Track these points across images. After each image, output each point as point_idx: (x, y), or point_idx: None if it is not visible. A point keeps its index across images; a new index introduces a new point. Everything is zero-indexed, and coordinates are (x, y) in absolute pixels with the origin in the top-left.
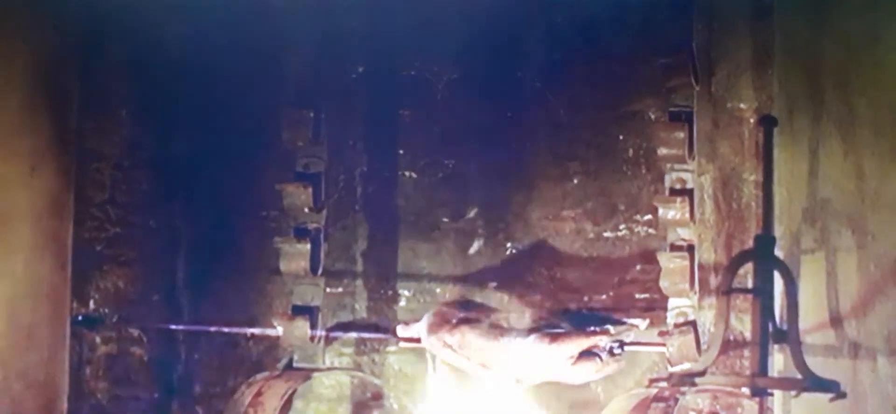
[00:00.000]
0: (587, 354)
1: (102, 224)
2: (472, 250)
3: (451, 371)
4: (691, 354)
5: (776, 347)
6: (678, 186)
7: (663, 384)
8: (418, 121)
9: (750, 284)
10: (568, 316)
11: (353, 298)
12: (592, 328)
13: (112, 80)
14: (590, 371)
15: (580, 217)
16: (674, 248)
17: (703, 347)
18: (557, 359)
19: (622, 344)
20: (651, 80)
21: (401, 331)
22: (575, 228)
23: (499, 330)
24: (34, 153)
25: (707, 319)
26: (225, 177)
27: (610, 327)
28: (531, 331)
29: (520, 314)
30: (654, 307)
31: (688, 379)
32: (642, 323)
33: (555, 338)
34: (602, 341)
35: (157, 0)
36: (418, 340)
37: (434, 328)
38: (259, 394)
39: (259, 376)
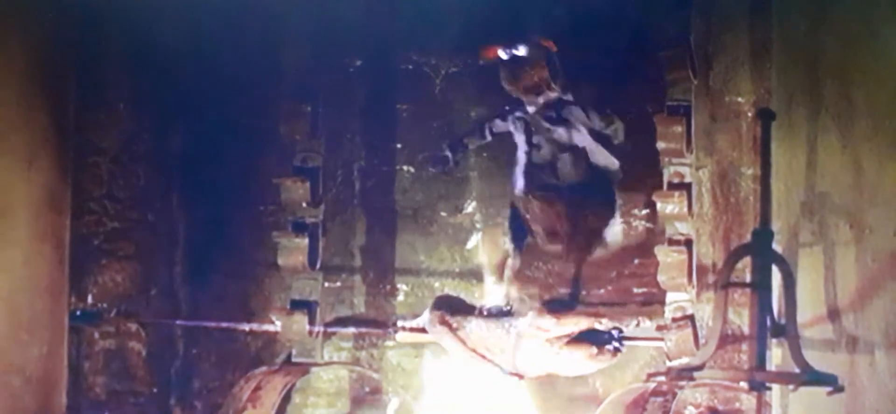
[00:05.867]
0: (587, 344)
1: (100, 218)
2: (469, 245)
3: (450, 365)
4: (689, 348)
5: (774, 341)
6: (676, 180)
7: (661, 378)
8: (416, 115)
9: (748, 278)
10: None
11: (352, 292)
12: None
13: (109, 74)
14: (587, 363)
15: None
16: (672, 242)
17: (702, 341)
18: (557, 337)
19: (622, 338)
20: (649, 74)
21: (403, 322)
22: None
23: (500, 315)
24: (31, 148)
25: (705, 313)
26: (223, 171)
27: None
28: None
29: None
30: (653, 301)
31: (686, 373)
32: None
33: (557, 314)
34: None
35: None
36: (422, 330)
37: (436, 315)
38: (258, 388)
39: (257, 371)
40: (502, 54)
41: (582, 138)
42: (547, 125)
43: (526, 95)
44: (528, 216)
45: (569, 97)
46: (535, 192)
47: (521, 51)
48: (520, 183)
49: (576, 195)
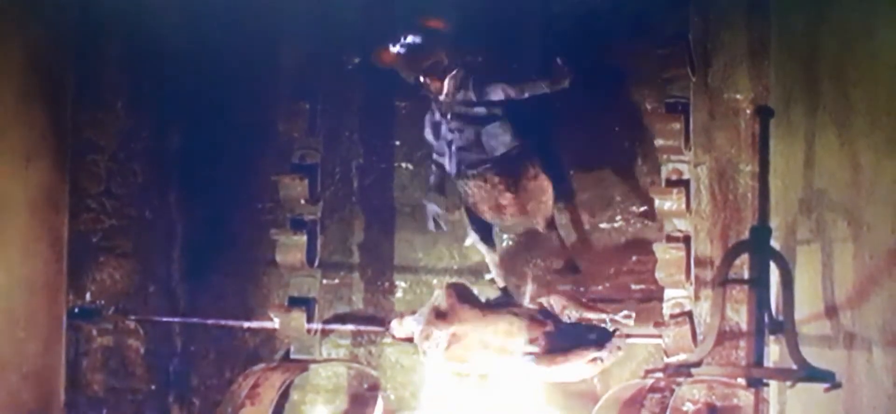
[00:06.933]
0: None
1: (98, 216)
2: (467, 242)
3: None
4: (687, 344)
5: (772, 337)
6: (674, 177)
7: (659, 375)
8: (414, 112)
9: (746, 275)
10: (561, 331)
11: (350, 289)
12: (590, 337)
13: (107, 72)
14: (588, 371)
15: (576, 208)
16: (670, 239)
17: (699, 337)
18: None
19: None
20: (648, 72)
21: (395, 329)
22: (571, 219)
23: (491, 348)
24: (29, 145)
25: (703, 309)
26: (221, 169)
27: (606, 342)
28: (526, 352)
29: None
30: (651, 298)
31: (684, 370)
32: (630, 320)
33: (552, 361)
34: (601, 354)
35: None
36: (411, 340)
37: (426, 334)
38: (256, 385)
39: (256, 368)
40: (396, 49)
41: (500, 108)
42: (463, 108)
43: (433, 82)
44: (470, 200)
45: (473, 75)
46: (466, 173)
47: (411, 39)
48: (452, 170)
49: (506, 163)
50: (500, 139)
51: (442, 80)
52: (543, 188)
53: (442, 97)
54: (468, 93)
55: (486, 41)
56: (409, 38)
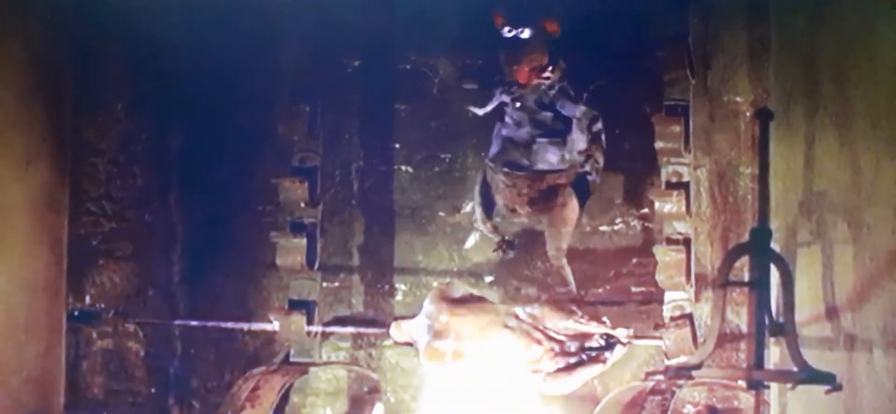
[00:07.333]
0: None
1: (98, 219)
2: (468, 244)
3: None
4: (688, 347)
5: (772, 339)
6: (674, 180)
7: (660, 377)
8: (414, 115)
9: (746, 277)
10: (562, 345)
11: (350, 292)
12: (592, 349)
13: (108, 74)
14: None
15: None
16: (670, 241)
17: (700, 340)
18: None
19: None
20: (647, 74)
21: (394, 333)
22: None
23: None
24: (29, 148)
25: (703, 312)
26: (221, 171)
27: (608, 354)
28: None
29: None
30: (651, 301)
31: (684, 372)
32: (623, 339)
33: (556, 378)
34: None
35: None
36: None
37: (428, 353)
38: (256, 388)
39: (256, 371)
40: (505, 32)
41: (564, 127)
42: (533, 107)
43: (519, 72)
44: (492, 186)
45: (563, 84)
46: (502, 166)
47: (525, 34)
48: (492, 150)
49: (542, 180)
50: (547, 157)
51: (531, 75)
52: (566, 218)
53: (524, 87)
54: (547, 94)
55: (484, 42)
56: (525, 33)
